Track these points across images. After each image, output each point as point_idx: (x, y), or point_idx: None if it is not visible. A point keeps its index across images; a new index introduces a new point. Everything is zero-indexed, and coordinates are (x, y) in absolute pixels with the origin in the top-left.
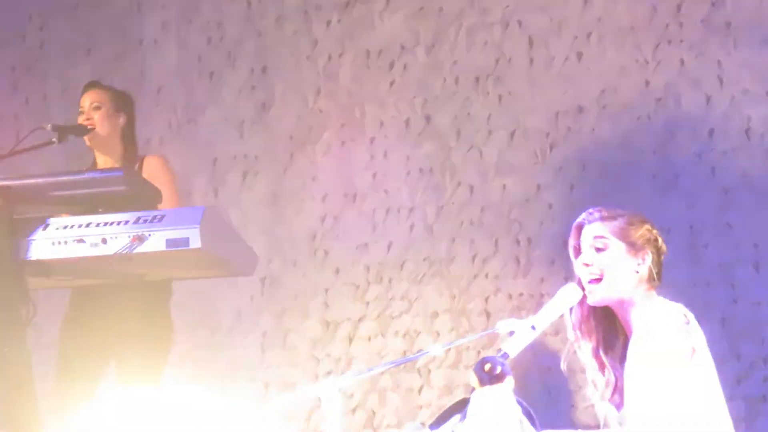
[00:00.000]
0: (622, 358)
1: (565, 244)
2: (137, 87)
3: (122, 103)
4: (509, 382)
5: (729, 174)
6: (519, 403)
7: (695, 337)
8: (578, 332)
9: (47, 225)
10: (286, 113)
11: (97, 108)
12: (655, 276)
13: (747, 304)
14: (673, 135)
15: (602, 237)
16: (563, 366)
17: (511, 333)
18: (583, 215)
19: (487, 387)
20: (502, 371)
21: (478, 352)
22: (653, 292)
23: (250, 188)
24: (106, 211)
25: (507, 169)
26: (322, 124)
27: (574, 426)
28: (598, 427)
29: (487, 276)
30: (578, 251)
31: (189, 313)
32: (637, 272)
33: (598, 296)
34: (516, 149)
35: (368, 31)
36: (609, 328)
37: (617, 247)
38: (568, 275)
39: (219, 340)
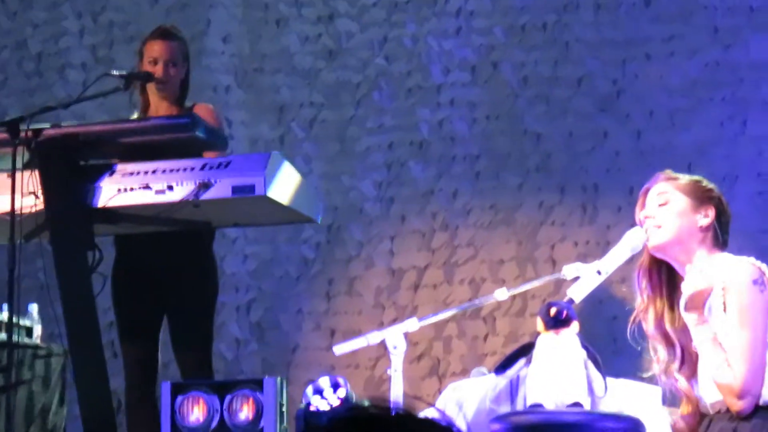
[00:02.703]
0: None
1: (632, 190)
2: (203, 35)
3: (187, 52)
4: (575, 326)
5: None
6: (585, 347)
7: None
8: (645, 298)
9: (113, 171)
10: (353, 61)
11: (174, 65)
12: (720, 236)
13: None
14: (741, 82)
15: (666, 192)
16: (629, 334)
17: (577, 278)
18: (649, 181)
19: (553, 331)
20: (567, 315)
21: (544, 300)
22: (719, 252)
23: (316, 136)
24: (172, 158)
25: (574, 116)
26: (389, 72)
27: (640, 374)
28: None
29: (553, 223)
30: (641, 216)
31: (255, 261)
32: (701, 226)
33: (657, 240)
34: (583, 96)
35: None
36: (675, 296)
37: (680, 200)
38: (635, 222)
39: (285, 287)
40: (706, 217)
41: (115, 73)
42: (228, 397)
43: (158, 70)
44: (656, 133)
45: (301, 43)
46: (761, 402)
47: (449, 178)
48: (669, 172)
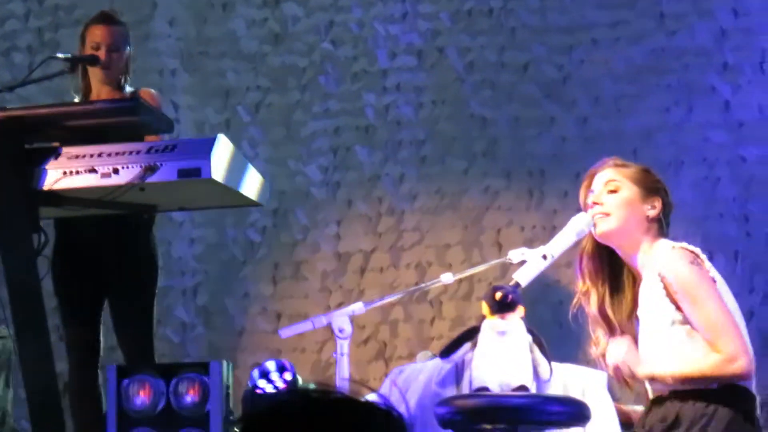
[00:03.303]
0: (631, 314)
1: (578, 175)
2: (149, 18)
3: (128, 37)
4: (520, 310)
5: (743, 107)
6: (530, 331)
7: (711, 268)
8: (587, 281)
9: (59, 155)
10: (299, 45)
11: (116, 49)
12: (665, 227)
13: (760, 237)
14: (687, 68)
15: (615, 180)
16: (570, 317)
17: (523, 262)
18: (597, 164)
19: (498, 315)
20: (512, 299)
21: (490, 284)
22: (661, 240)
23: (262, 120)
24: (117, 141)
25: (520, 101)
26: (335, 57)
27: (586, 359)
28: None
29: (499, 208)
30: (586, 200)
31: (201, 245)
32: (648, 217)
33: (605, 228)
34: (529, 82)
35: None
36: (617, 281)
37: (630, 189)
38: (581, 207)
39: (231, 271)
40: (653, 209)
41: (60, 56)
42: (174, 381)
43: (101, 55)
44: (602, 119)
45: (247, 27)
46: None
47: (395, 162)
48: (618, 159)
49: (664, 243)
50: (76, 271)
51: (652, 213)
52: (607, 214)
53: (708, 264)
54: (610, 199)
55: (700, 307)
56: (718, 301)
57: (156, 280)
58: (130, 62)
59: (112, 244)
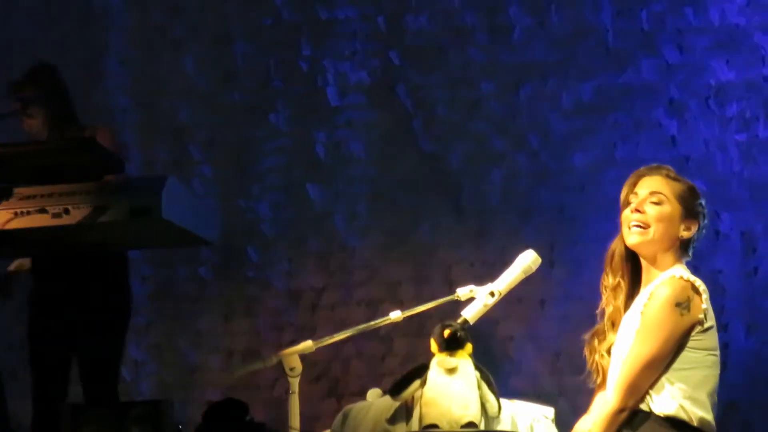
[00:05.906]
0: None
1: (528, 212)
2: (101, 57)
3: (43, 90)
4: (468, 347)
5: (689, 142)
6: (478, 368)
7: (706, 312)
8: (617, 278)
9: (11, 195)
10: (249, 83)
11: (29, 116)
12: (690, 248)
13: (706, 272)
14: (633, 104)
15: (661, 193)
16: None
17: (472, 299)
18: (648, 167)
19: (446, 352)
20: (460, 336)
21: (441, 320)
22: (678, 264)
23: (213, 158)
24: (70, 180)
25: (469, 137)
26: (285, 94)
27: (536, 394)
28: (560, 395)
29: (449, 245)
30: (628, 199)
31: (153, 283)
32: (680, 237)
33: (637, 240)
34: (478, 118)
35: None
36: (634, 286)
37: (673, 207)
38: (530, 243)
39: (183, 309)
40: (688, 230)
41: (15, 95)
42: (127, 419)
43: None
44: (551, 155)
45: (198, 66)
46: (658, 409)
47: (346, 199)
48: (671, 171)
49: (676, 269)
50: (48, 322)
51: (686, 234)
52: (646, 226)
53: (705, 306)
54: (651, 211)
55: (640, 346)
56: (655, 355)
57: (125, 331)
58: (66, 98)
59: (83, 299)
